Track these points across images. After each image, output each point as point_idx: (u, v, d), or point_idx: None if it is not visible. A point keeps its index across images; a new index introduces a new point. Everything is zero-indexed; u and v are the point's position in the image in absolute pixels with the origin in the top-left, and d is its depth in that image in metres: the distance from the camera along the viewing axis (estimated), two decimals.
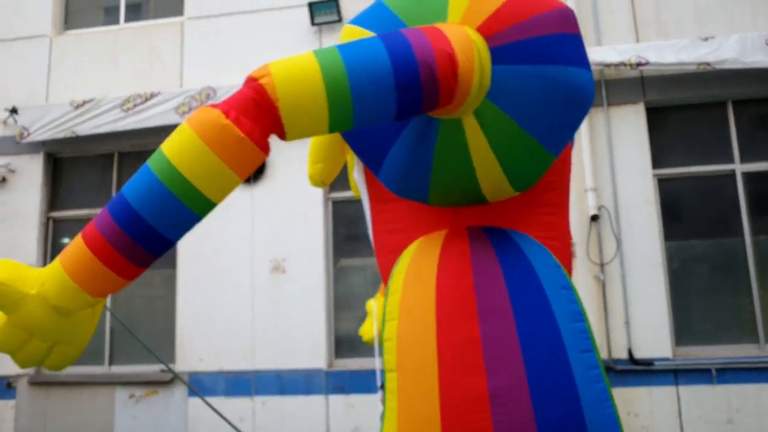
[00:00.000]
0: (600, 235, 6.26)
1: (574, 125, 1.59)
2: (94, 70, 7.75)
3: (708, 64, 6.17)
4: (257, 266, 6.78)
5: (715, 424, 5.85)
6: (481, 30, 1.44)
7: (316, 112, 1.27)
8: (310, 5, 7.18)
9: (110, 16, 8.22)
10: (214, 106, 1.26)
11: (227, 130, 1.22)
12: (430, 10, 1.50)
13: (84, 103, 7.35)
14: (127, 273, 1.31)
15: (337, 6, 7.12)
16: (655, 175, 6.42)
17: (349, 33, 1.62)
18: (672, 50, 6.27)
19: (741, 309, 6.22)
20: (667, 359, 6.00)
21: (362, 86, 1.27)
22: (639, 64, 6.26)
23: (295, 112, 1.26)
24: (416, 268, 1.53)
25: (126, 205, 1.25)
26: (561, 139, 1.54)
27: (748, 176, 6.42)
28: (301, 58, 1.31)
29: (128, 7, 8.18)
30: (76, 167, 7.82)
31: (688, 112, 6.61)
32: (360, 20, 1.64)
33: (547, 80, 1.44)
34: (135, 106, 7.27)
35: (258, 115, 1.24)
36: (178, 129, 1.28)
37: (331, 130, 1.32)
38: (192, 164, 1.23)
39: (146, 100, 7.25)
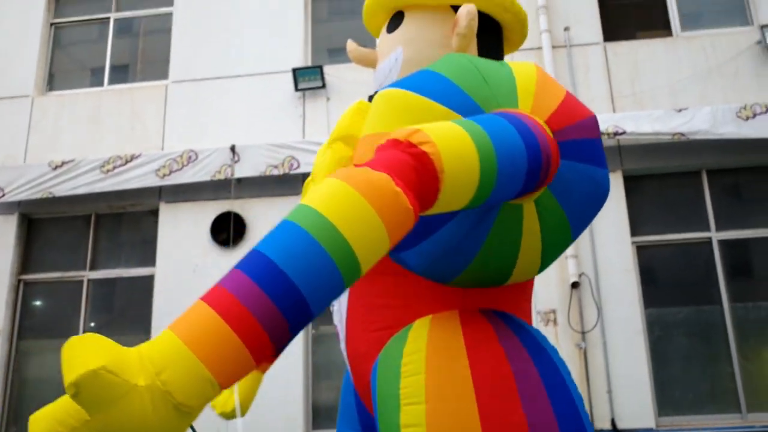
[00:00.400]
0: (581, 303, 6.26)
1: (593, 218, 1.67)
2: (75, 131, 7.73)
3: (682, 134, 6.33)
4: None
5: None
6: (549, 124, 1.46)
7: (465, 191, 1.19)
8: (294, 71, 7.28)
9: (95, 78, 8.26)
10: (372, 167, 1.11)
11: (398, 197, 1.07)
12: (502, 95, 1.46)
13: (63, 163, 7.29)
14: (260, 357, 0.98)
15: (321, 73, 7.23)
16: (633, 242, 6.48)
17: (403, 99, 1.48)
18: (648, 120, 6.43)
19: (722, 378, 6.19)
20: (650, 430, 5.91)
21: (505, 171, 1.23)
22: (616, 134, 6.40)
23: (452, 188, 1.16)
24: (440, 350, 1.43)
25: (271, 266, 0.98)
26: (582, 229, 1.62)
27: (724, 244, 6.50)
28: (452, 131, 1.20)
29: (113, 68, 8.24)
30: (51, 228, 7.70)
31: (664, 180, 6.73)
32: (415, 87, 1.49)
33: (591, 179, 1.51)
34: (115, 167, 7.22)
35: (416, 185, 1.12)
36: (330, 185, 1.07)
37: (462, 208, 1.24)
38: (353, 225, 1.04)
39: (127, 162, 7.22)
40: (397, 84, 1.52)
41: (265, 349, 0.96)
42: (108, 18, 8.42)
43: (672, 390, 6.20)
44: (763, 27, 6.62)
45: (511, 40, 1.89)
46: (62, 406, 1.02)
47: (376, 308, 1.62)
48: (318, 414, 6.53)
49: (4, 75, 8.10)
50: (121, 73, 8.27)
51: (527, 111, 1.46)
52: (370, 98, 1.78)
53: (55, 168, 7.30)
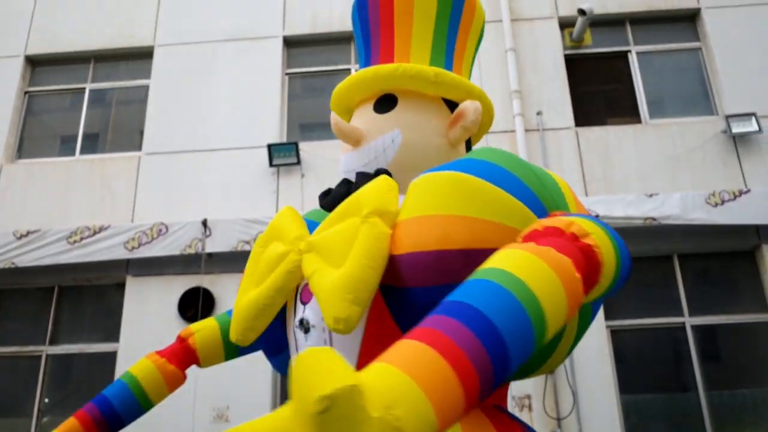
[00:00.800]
0: (556, 388, 6.15)
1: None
2: (43, 201, 7.56)
3: (654, 219, 6.41)
4: (198, 414, 6.37)
5: None
6: None
7: (608, 285, 1.31)
8: (270, 147, 7.28)
9: (66, 147, 8.15)
10: (563, 251, 1.20)
11: (578, 284, 1.17)
12: (556, 199, 1.53)
13: (28, 233, 7.09)
14: (471, 402, 0.96)
15: (297, 150, 7.24)
16: (608, 326, 6.44)
17: (474, 184, 1.46)
18: (620, 204, 6.51)
19: None
20: None
21: (623, 266, 1.36)
22: None
23: (604, 282, 1.28)
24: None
25: (482, 317, 1.00)
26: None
27: (698, 329, 6.50)
28: (598, 225, 1.32)
29: (85, 138, 8.15)
30: (11, 300, 7.41)
31: (636, 264, 6.71)
32: (484, 175, 1.48)
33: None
34: (82, 239, 7.05)
35: (585, 275, 1.21)
36: (525, 258, 1.14)
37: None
38: (549, 298, 1.09)
39: (95, 233, 7.05)
40: (456, 168, 1.50)
41: (475, 395, 0.94)
42: (83, 88, 8.40)
43: None
44: (728, 117, 6.85)
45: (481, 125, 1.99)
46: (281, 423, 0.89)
47: None
48: None
49: None
50: (93, 143, 8.19)
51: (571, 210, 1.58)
52: (361, 175, 1.79)
53: (20, 237, 7.09)
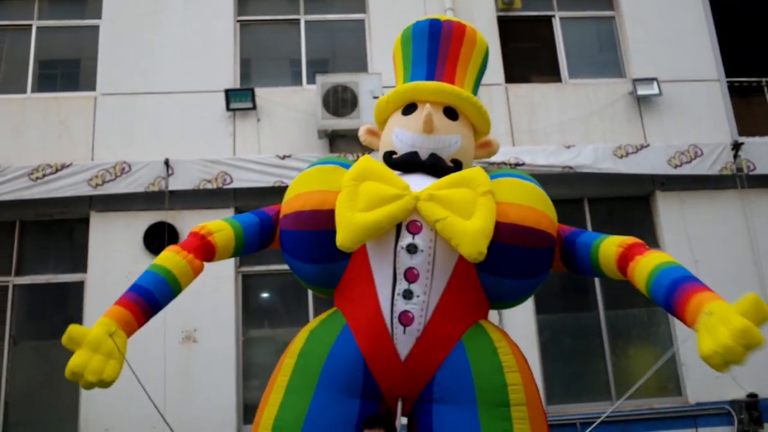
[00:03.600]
0: None
1: None
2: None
3: (570, 167, 7.49)
4: (169, 336, 7.02)
5: None
6: None
7: None
8: (227, 92, 7.76)
9: (17, 85, 8.23)
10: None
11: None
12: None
13: None
14: None
15: (253, 96, 7.76)
16: None
17: (542, 193, 2.86)
18: (542, 155, 7.54)
19: (598, 372, 7.40)
20: None
21: None
22: (516, 164, 7.45)
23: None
24: (510, 341, 2.62)
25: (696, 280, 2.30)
26: None
27: None
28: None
29: (37, 77, 8.27)
30: None
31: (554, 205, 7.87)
32: (542, 188, 2.91)
33: None
34: (44, 175, 7.35)
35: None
36: (668, 256, 2.56)
37: None
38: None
39: (57, 170, 7.37)
40: (532, 181, 2.79)
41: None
42: (30, 25, 8.44)
43: (558, 381, 7.32)
44: (634, 80, 7.96)
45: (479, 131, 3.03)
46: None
47: (464, 305, 2.53)
48: (249, 411, 7.05)
49: None
50: (46, 83, 8.32)
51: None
52: (434, 156, 2.79)
53: None
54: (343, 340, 2.60)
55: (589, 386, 7.40)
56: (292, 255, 2.88)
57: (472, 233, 2.33)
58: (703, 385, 7.21)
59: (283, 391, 2.64)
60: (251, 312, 7.50)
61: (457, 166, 2.76)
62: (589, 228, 7.81)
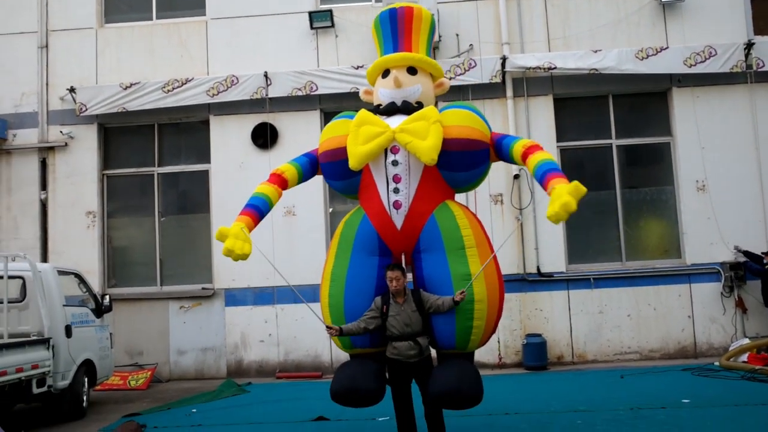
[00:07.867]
0: (520, 189, 8.99)
1: None
2: (134, 59, 9.83)
3: (596, 70, 8.87)
4: (274, 212, 9.14)
5: (591, 315, 8.79)
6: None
7: None
8: (310, 14, 9.48)
9: (145, 14, 10.21)
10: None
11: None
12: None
13: (131, 85, 9.51)
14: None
15: (331, 16, 9.44)
16: (558, 147, 9.14)
17: (474, 115, 4.51)
18: (572, 59, 8.93)
19: (611, 238, 9.13)
20: (562, 272, 8.88)
21: None
22: (549, 68, 8.91)
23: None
24: (468, 214, 4.44)
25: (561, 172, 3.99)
26: None
27: (621, 148, 9.25)
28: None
29: (158, 4, 10.20)
30: (123, 135, 10.00)
31: (582, 101, 9.36)
32: (476, 112, 4.47)
33: None
34: (174, 88, 9.49)
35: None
36: (549, 155, 4.49)
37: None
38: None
39: (182, 84, 9.48)
40: (468, 108, 4.38)
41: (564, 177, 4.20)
42: None
43: (577, 246, 9.12)
44: None
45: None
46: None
47: (432, 193, 4.33)
48: None
49: (67, 10, 10.03)
50: (165, 8, 10.23)
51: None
52: (406, 102, 4.42)
53: (125, 88, 9.52)
54: (365, 222, 4.42)
55: (604, 250, 9.16)
56: (327, 177, 4.77)
57: (427, 148, 4.03)
58: (698, 250, 8.81)
59: (334, 253, 4.51)
60: (334, 192, 9.57)
61: (420, 105, 4.33)
62: (613, 120, 9.28)
